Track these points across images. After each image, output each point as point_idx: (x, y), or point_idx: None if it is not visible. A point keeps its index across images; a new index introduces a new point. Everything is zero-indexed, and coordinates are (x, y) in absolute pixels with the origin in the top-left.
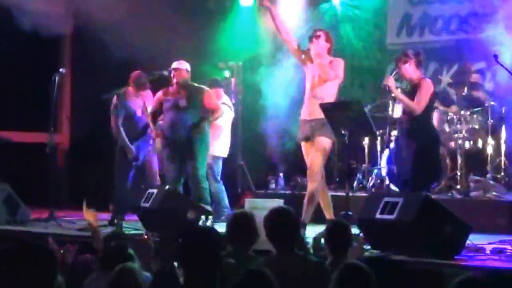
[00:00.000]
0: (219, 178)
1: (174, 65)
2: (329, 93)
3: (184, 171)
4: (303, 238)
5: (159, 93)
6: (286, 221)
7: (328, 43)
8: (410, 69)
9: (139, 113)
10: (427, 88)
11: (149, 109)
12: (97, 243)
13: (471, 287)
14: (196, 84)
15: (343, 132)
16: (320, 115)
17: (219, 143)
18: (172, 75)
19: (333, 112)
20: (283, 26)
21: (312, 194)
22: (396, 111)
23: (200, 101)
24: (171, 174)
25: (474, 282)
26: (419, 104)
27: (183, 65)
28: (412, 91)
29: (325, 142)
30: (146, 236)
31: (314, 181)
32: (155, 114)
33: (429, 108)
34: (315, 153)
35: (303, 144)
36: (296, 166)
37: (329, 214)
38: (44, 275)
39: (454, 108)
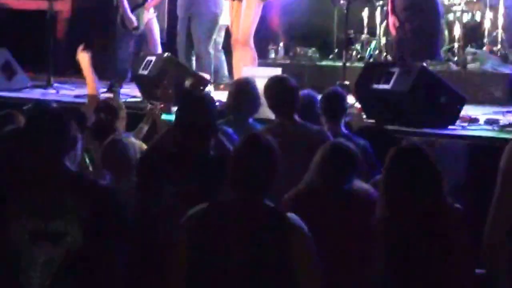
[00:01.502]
0: (220, 47)
1: None
2: None
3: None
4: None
5: None
6: (286, 89)
7: None
8: None
9: None
10: None
11: None
12: (86, 108)
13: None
14: None
15: (341, 1)
16: None
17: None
18: None
19: None
20: None
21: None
22: None
23: None
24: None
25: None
26: None
27: None
28: None
29: (254, 4)
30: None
31: (246, 48)
32: None
33: None
34: (245, 18)
35: (230, 3)
36: (297, 36)
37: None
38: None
39: None
